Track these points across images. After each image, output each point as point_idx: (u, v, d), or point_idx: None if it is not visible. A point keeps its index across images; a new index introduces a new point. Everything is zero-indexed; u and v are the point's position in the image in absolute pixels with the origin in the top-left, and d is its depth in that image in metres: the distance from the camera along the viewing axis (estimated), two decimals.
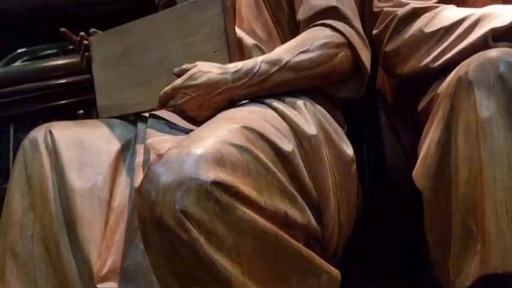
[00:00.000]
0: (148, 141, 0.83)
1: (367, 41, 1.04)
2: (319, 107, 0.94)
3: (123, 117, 1.07)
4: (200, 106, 0.88)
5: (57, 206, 0.90)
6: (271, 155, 0.75)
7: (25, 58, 1.90)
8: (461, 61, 0.83)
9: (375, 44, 1.09)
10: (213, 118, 0.82)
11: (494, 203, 0.69)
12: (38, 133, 0.96)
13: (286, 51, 0.93)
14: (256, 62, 0.89)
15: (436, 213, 0.82)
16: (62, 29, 1.14)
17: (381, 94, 1.28)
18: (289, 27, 1.07)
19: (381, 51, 1.06)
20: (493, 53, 0.76)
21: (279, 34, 1.06)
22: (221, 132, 0.71)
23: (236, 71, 0.87)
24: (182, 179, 0.63)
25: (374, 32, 1.08)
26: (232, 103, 0.89)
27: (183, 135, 0.90)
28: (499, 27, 0.84)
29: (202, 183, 0.63)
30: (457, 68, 0.81)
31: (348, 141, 0.93)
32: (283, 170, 0.76)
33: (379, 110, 1.31)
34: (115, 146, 0.98)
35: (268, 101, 0.88)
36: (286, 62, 0.91)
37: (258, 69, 0.88)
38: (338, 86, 1.03)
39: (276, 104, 0.87)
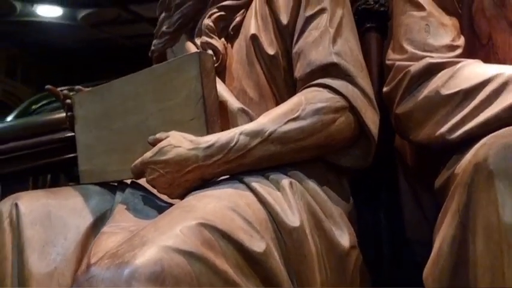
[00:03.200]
0: (100, 233, 0.72)
1: (373, 101, 0.89)
2: (311, 184, 0.79)
3: (104, 184, 0.98)
4: (170, 184, 0.77)
5: None
6: (237, 259, 0.61)
7: (44, 102, 1.91)
8: (484, 135, 0.67)
9: (385, 102, 0.94)
10: (173, 207, 0.70)
11: None
12: (4, 206, 0.88)
13: (271, 120, 0.80)
14: (234, 134, 0.77)
15: None
16: (47, 86, 1.09)
17: (400, 154, 1.12)
18: (286, 85, 0.94)
19: (392, 112, 0.91)
20: None
21: (273, 94, 0.94)
22: (170, 233, 0.59)
23: (208, 147, 0.76)
24: None
25: (384, 89, 0.94)
26: (207, 181, 0.77)
27: (154, 214, 0.80)
28: None
29: None
30: (475, 147, 0.65)
31: (344, 228, 0.78)
32: (253, 275, 0.62)
33: (399, 171, 1.15)
34: (87, 220, 0.88)
35: (247, 179, 0.75)
36: (271, 133, 0.78)
37: (236, 143, 0.76)
38: (341, 153, 0.89)
39: (256, 184, 0.74)
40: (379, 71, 1.15)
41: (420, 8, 0.96)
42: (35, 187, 1.24)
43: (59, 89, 1.10)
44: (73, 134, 1.10)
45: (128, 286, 0.52)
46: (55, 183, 1.29)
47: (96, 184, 0.98)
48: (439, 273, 0.66)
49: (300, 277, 0.68)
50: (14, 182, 1.16)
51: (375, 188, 1.18)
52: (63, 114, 1.16)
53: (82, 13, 5.84)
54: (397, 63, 0.92)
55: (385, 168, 1.15)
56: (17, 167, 1.17)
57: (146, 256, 0.55)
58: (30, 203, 0.88)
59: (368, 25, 1.22)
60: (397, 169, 1.15)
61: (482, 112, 0.73)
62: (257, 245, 0.63)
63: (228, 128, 0.85)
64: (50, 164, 1.21)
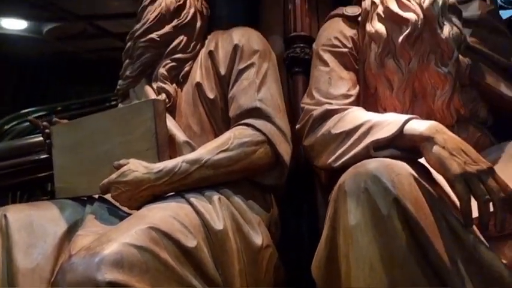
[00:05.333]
0: (76, 235, 0.97)
1: (288, 136, 1.18)
2: (236, 198, 1.07)
3: (76, 198, 1.22)
4: (129, 199, 1.03)
5: (4, 283, 1.03)
6: (175, 252, 0.87)
7: (14, 123, 2.10)
8: (353, 165, 0.96)
9: (298, 136, 1.23)
10: (131, 216, 0.96)
11: None
12: None
13: (207, 151, 1.07)
14: (178, 162, 1.04)
15: None
16: (29, 117, 1.31)
17: (316, 173, 1.41)
18: (223, 122, 1.22)
19: (302, 144, 1.20)
20: (367, 165, 0.88)
21: (213, 128, 1.22)
22: (128, 233, 0.84)
23: (159, 171, 1.02)
24: (83, 279, 0.76)
25: (297, 126, 1.23)
26: (157, 196, 1.03)
27: (116, 221, 1.04)
28: (381, 138, 0.98)
29: (98, 283, 0.76)
30: (343, 174, 0.94)
31: (259, 231, 1.05)
32: (188, 264, 0.89)
33: (317, 188, 1.44)
34: (62, 227, 1.11)
35: (188, 195, 1.02)
36: (206, 161, 1.05)
37: (179, 169, 1.03)
38: (264, 175, 1.17)
39: (194, 199, 1.01)
40: None
41: (326, 64, 1.27)
42: (14, 201, 1.45)
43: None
44: (47, 155, 1.32)
45: (97, 269, 0.77)
46: (32, 198, 1.50)
47: (69, 198, 1.21)
48: (318, 262, 0.94)
49: (222, 266, 0.95)
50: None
51: (299, 201, 1.46)
52: (38, 138, 1.38)
53: (47, 27, 5.90)
54: (306, 106, 1.22)
55: (306, 185, 1.44)
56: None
57: (111, 249, 0.80)
58: (17, 214, 1.11)
59: (296, 69, 1.52)
60: (316, 186, 1.44)
61: (354, 148, 1.02)
62: (190, 242, 0.90)
63: (176, 156, 1.12)
64: (27, 181, 1.43)
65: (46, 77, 6.66)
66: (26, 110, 2.36)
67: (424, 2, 1.15)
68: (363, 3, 1.29)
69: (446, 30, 1.14)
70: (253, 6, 1.75)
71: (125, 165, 1.05)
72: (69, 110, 2.31)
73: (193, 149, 1.12)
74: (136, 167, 1.03)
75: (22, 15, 5.64)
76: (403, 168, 0.88)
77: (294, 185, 1.41)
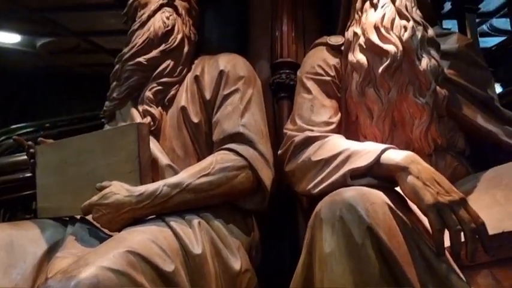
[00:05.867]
0: (54, 257, 0.97)
1: (270, 161, 1.21)
2: (216, 223, 1.08)
3: (58, 218, 1.22)
4: (110, 222, 1.04)
5: None
6: (152, 276, 0.88)
7: (3, 138, 2.11)
8: (331, 192, 0.98)
9: (279, 161, 1.25)
10: (110, 239, 0.97)
11: None
12: None
13: (189, 175, 1.09)
14: (159, 185, 1.05)
15: None
16: (14, 137, 1.32)
17: (298, 198, 1.43)
18: (207, 146, 1.24)
19: (283, 170, 1.22)
20: (343, 193, 0.90)
21: (196, 152, 1.23)
22: (105, 257, 0.85)
23: (140, 194, 1.03)
24: None
25: (279, 152, 1.25)
26: (138, 219, 1.04)
27: (96, 243, 1.05)
28: (358, 167, 1.00)
29: None
30: (320, 202, 0.96)
31: (238, 256, 1.06)
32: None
33: (299, 212, 1.45)
34: (42, 248, 1.12)
35: (168, 219, 1.03)
36: (187, 185, 1.07)
37: (160, 192, 1.04)
38: (245, 199, 1.19)
39: (173, 223, 1.02)
40: None
41: (309, 91, 1.30)
42: None
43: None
44: (30, 174, 1.33)
45: None
46: (13, 216, 1.50)
47: (51, 218, 1.21)
48: (296, 287, 0.96)
49: None
50: None
51: (281, 225, 1.48)
52: (24, 157, 1.39)
53: (41, 41, 5.93)
54: (289, 132, 1.24)
55: (289, 209, 1.46)
56: None
57: (87, 272, 0.81)
58: None
59: (282, 95, 1.55)
60: (297, 210, 1.46)
61: (332, 176, 1.05)
62: (168, 266, 0.91)
63: (158, 179, 1.13)
64: (11, 199, 1.43)
65: (38, 90, 6.67)
66: (15, 126, 2.36)
67: (403, 35, 1.19)
68: (346, 33, 1.33)
69: (425, 62, 1.18)
70: (242, 31, 1.79)
71: (107, 187, 1.06)
72: (57, 126, 2.32)
73: (175, 173, 1.14)
74: (118, 190, 1.04)
75: (16, 29, 5.67)
76: (379, 197, 0.91)
77: (276, 209, 1.43)
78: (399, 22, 1.21)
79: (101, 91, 1.43)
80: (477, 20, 4.99)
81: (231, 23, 1.84)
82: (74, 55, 6.32)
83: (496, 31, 5.34)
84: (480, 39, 5.41)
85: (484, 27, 5.41)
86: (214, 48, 1.79)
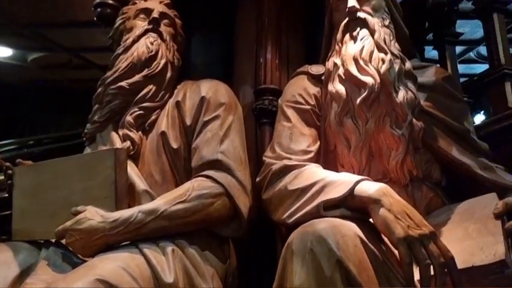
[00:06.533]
0: (24, 283, 0.96)
1: (247, 188, 1.21)
2: (191, 250, 1.08)
3: (32, 241, 1.21)
4: (83, 247, 1.03)
5: None
6: None
7: None
8: (304, 222, 0.99)
9: (257, 188, 1.26)
10: (80, 266, 0.96)
11: None
12: None
13: (165, 202, 1.09)
14: (134, 212, 1.05)
15: None
16: None
17: (277, 226, 1.43)
18: (185, 171, 1.25)
19: (261, 198, 1.23)
20: (316, 225, 0.91)
21: (174, 177, 1.24)
22: (74, 285, 0.85)
23: (114, 220, 1.03)
24: None
25: (257, 179, 1.26)
26: (111, 246, 1.04)
27: (69, 269, 1.04)
28: (331, 198, 1.01)
29: None
30: (292, 233, 0.96)
31: (211, 284, 1.06)
32: None
33: (277, 240, 1.45)
34: (14, 271, 1.10)
35: (141, 245, 1.03)
36: (162, 212, 1.07)
37: (134, 219, 1.04)
38: (222, 226, 1.19)
39: (147, 250, 1.01)
40: None
41: (288, 120, 1.32)
42: None
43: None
44: (6, 195, 1.32)
45: None
46: None
47: (25, 241, 1.20)
48: None
49: None
50: None
51: (261, 252, 1.47)
52: (0, 177, 1.38)
53: (32, 55, 5.94)
54: (267, 160, 1.25)
55: (268, 236, 1.46)
56: None
57: None
58: None
59: (264, 120, 1.57)
60: (276, 239, 1.46)
61: (307, 206, 1.06)
62: None
63: (135, 205, 1.13)
64: None
65: (27, 105, 6.65)
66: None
67: (381, 68, 1.22)
68: (326, 63, 1.36)
69: (401, 94, 1.21)
70: (227, 56, 1.82)
71: (82, 212, 1.06)
72: (41, 144, 2.31)
73: (152, 198, 1.14)
74: (93, 215, 1.04)
75: (8, 44, 5.68)
76: (350, 229, 0.92)
77: (256, 236, 1.43)
78: (377, 55, 1.24)
79: (91, 107, 1.43)
80: (464, 48, 5.14)
81: (217, 48, 1.87)
82: (65, 70, 6.33)
83: (482, 58, 5.45)
84: (467, 65, 5.53)
85: (471, 54, 5.52)
86: (199, 72, 1.82)
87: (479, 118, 3.97)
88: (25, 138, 2.45)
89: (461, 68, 5.51)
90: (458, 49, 5.07)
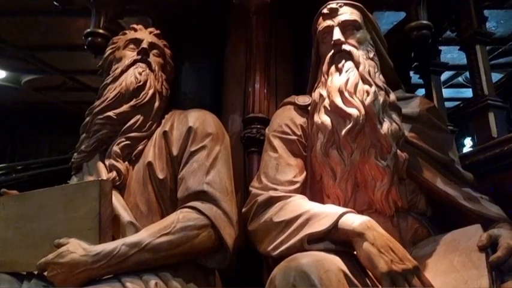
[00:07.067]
0: None
1: (233, 219, 1.21)
2: (175, 283, 1.07)
3: (14, 273, 1.19)
4: (64, 281, 1.02)
5: None
6: None
7: None
8: (289, 255, 0.98)
9: (243, 219, 1.26)
10: None
11: None
12: None
13: (149, 234, 1.08)
14: (118, 245, 1.05)
15: None
16: None
17: (264, 257, 1.42)
18: (171, 202, 1.24)
19: (246, 229, 1.22)
20: (299, 259, 0.91)
21: (160, 208, 1.23)
22: None
23: (96, 254, 1.02)
24: None
25: (243, 210, 1.26)
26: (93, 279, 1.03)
27: None
28: (315, 232, 1.01)
29: None
30: (276, 268, 0.96)
31: None
32: None
33: (264, 270, 1.44)
34: None
35: (124, 279, 1.02)
36: (146, 244, 1.06)
37: (118, 252, 1.03)
38: (207, 258, 1.18)
39: (129, 283, 1.01)
40: None
41: (275, 150, 1.33)
42: None
43: None
44: None
45: None
46: None
47: (7, 273, 1.18)
48: None
49: None
50: None
51: (248, 282, 1.46)
52: None
53: (26, 77, 5.95)
54: (254, 190, 1.26)
55: (256, 266, 1.45)
56: None
57: None
58: None
59: (252, 149, 1.58)
60: (263, 268, 1.45)
61: (292, 239, 1.06)
62: None
63: (119, 236, 1.12)
64: None
65: (20, 126, 6.63)
66: None
67: (365, 100, 1.24)
68: (313, 94, 1.38)
69: (386, 126, 1.22)
70: (217, 85, 1.84)
71: (65, 244, 1.05)
72: (29, 169, 2.30)
73: (137, 230, 1.13)
74: (75, 248, 1.03)
75: (2, 66, 5.69)
76: (334, 263, 0.91)
77: (243, 265, 1.42)
78: (362, 87, 1.26)
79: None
80: (453, 72, 5.23)
81: (207, 76, 1.89)
82: (59, 92, 6.34)
83: (471, 83, 5.50)
84: (456, 90, 5.62)
85: (460, 79, 5.62)
86: (189, 100, 1.84)
87: (467, 141, 4.02)
88: (13, 163, 2.43)
89: (450, 93, 5.62)
90: (447, 74, 5.17)
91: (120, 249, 1.04)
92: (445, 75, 4.95)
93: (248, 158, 1.59)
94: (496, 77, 3.98)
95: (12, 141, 6.85)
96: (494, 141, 1.56)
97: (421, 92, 2.44)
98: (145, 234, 1.08)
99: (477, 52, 1.70)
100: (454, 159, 1.36)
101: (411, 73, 2.24)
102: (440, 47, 2.31)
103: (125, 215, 1.16)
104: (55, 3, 1.43)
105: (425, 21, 1.58)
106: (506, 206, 1.29)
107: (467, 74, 5.37)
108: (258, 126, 1.58)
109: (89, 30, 1.72)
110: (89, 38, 1.71)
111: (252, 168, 1.56)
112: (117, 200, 1.18)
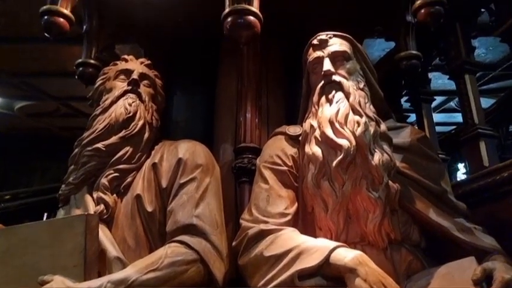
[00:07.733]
0: None
1: (223, 254, 1.18)
2: None
3: None
4: None
5: None
6: None
7: None
8: None
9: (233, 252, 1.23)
10: None
11: None
12: None
13: (136, 270, 1.06)
14: (103, 282, 1.01)
15: None
16: None
17: None
18: (160, 235, 1.22)
19: (237, 263, 1.20)
20: None
21: (148, 242, 1.21)
22: None
23: None
24: None
25: (233, 243, 1.23)
26: None
27: None
28: (306, 267, 0.99)
29: None
30: None
31: None
32: None
33: None
34: None
35: None
36: (133, 281, 1.03)
37: None
38: None
39: None
40: None
41: (266, 181, 1.31)
42: None
43: None
44: None
45: None
46: None
47: None
48: None
49: None
50: None
51: None
52: None
53: (19, 104, 5.94)
54: (244, 223, 1.23)
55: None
56: None
57: None
58: None
59: (243, 179, 1.56)
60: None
61: (282, 275, 1.03)
62: None
63: (106, 272, 1.09)
64: None
65: (12, 151, 6.58)
66: None
67: (356, 130, 1.23)
68: (303, 124, 1.37)
69: (377, 157, 1.21)
70: (208, 114, 1.84)
71: (48, 282, 1.01)
72: (17, 198, 2.26)
73: (124, 266, 1.11)
74: (59, 286, 0.99)
75: None
76: None
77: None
78: (353, 117, 1.26)
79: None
80: (445, 98, 5.28)
81: (198, 106, 1.89)
82: (52, 118, 6.32)
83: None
84: (448, 114, 5.67)
85: (452, 104, 5.68)
86: (180, 129, 1.83)
87: (461, 166, 4.03)
88: (1, 193, 2.39)
89: (442, 117, 5.67)
90: (440, 99, 5.23)
91: (106, 287, 1.01)
92: (436, 101, 5.00)
93: (239, 188, 1.57)
94: (488, 102, 4.03)
95: (3, 167, 6.78)
96: (485, 170, 1.56)
97: (413, 117, 2.46)
98: (132, 271, 1.05)
99: (466, 81, 1.72)
100: (446, 189, 1.35)
101: (402, 101, 2.26)
102: (431, 74, 2.34)
103: (112, 250, 1.13)
104: (46, 34, 1.42)
105: (414, 51, 1.60)
106: (499, 236, 1.27)
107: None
108: (250, 156, 1.57)
109: (80, 60, 1.72)
110: (80, 68, 1.71)
111: (244, 198, 1.54)
112: (104, 234, 1.15)
